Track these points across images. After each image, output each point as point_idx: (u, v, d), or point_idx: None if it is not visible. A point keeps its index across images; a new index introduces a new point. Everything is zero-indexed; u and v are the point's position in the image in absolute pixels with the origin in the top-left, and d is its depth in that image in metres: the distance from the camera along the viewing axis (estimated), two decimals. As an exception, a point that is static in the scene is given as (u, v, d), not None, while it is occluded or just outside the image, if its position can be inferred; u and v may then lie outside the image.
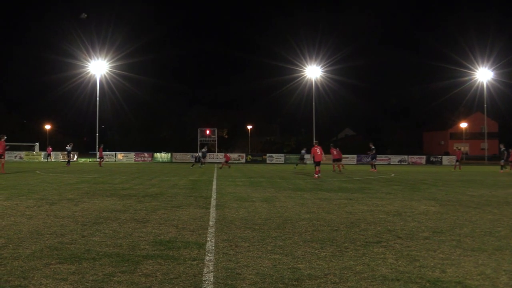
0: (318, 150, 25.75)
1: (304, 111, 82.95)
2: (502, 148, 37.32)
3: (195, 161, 42.91)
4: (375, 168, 35.36)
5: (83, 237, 7.31)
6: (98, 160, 43.45)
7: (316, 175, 24.79)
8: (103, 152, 45.25)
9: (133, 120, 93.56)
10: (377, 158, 39.66)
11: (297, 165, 42.57)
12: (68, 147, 43.93)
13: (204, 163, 41.74)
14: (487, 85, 70.31)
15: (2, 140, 25.04)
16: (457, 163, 41.28)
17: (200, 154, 42.50)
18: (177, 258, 5.98)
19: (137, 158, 61.81)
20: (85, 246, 6.62)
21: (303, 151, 43.75)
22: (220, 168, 37.37)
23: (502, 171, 34.85)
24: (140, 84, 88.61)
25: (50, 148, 58.68)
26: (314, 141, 29.07)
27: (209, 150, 44.07)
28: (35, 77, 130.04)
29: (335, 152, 35.46)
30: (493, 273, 5.49)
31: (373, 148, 36.28)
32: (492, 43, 78.68)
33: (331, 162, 36.75)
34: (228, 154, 46.29)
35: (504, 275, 5.41)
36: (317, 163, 25.59)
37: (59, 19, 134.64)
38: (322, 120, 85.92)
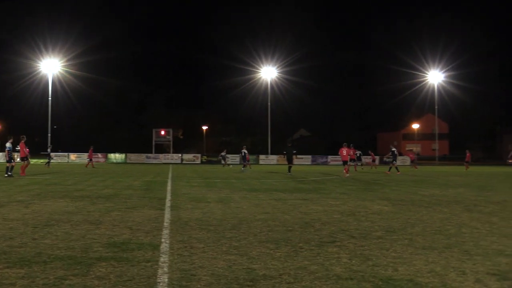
0: (344, 151, 28.24)
1: (260, 112, 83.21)
2: None
3: (223, 161, 45.76)
4: (399, 171, 32.81)
5: (34, 240, 7.13)
6: (88, 161, 42.39)
7: (346, 174, 27.20)
8: (93, 154, 44.18)
9: (87, 120, 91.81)
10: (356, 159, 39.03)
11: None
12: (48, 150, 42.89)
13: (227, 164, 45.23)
14: (438, 87, 72.19)
15: (22, 142, 24.98)
16: (413, 163, 43.47)
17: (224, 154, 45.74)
18: (131, 260, 5.90)
19: (90, 159, 60.32)
20: (35, 249, 6.45)
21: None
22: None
23: None
24: (95, 84, 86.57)
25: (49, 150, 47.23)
26: (343, 143, 29.50)
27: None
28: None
29: (350, 152, 33.84)
30: (442, 270, 5.63)
31: (393, 150, 34.33)
32: (443, 46, 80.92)
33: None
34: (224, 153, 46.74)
35: (453, 272, 5.56)
36: (344, 163, 28.37)
37: (7, 15, 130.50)
38: (277, 121, 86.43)
